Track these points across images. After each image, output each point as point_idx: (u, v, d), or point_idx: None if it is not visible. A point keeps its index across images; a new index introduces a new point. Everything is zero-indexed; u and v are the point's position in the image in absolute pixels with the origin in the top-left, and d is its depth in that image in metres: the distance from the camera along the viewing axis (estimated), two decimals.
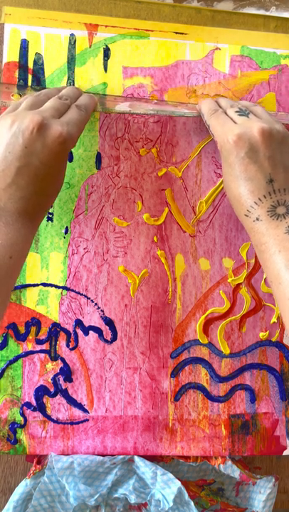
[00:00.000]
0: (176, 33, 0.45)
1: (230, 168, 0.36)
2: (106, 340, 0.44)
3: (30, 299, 0.43)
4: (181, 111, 0.42)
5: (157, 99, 0.43)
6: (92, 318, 0.44)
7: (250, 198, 0.35)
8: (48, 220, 0.44)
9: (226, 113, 0.39)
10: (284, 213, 0.34)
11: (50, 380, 0.43)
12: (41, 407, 0.43)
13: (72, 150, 0.44)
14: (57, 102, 0.37)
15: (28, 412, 0.43)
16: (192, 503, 0.40)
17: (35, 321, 0.43)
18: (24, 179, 0.33)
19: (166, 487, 0.41)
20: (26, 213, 0.34)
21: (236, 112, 0.38)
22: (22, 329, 0.43)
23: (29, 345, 0.43)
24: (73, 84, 0.44)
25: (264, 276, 0.45)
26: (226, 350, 0.45)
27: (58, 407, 0.43)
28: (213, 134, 0.39)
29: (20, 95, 0.42)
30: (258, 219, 0.35)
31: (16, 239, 0.33)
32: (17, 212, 0.34)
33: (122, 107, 0.42)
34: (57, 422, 0.43)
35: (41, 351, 0.43)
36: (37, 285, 0.44)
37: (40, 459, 0.43)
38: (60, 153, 0.34)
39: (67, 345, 0.44)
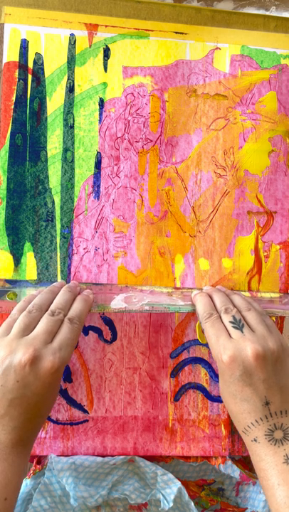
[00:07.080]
0: (176, 32, 0.45)
1: (225, 384, 0.36)
2: (106, 340, 0.44)
3: None
4: (177, 304, 0.42)
5: (150, 286, 0.43)
6: (92, 318, 0.44)
7: (247, 417, 0.35)
8: (47, 221, 0.44)
9: (220, 317, 0.39)
10: (281, 438, 0.34)
11: None
12: None
13: (73, 150, 0.44)
14: (49, 323, 0.36)
15: None
16: (192, 503, 0.40)
17: None
18: (17, 409, 0.33)
19: (166, 487, 0.41)
20: (20, 441, 0.34)
21: (230, 322, 0.38)
22: None
23: None
24: (73, 85, 0.44)
25: (263, 277, 0.45)
26: None
27: (57, 407, 0.43)
28: (208, 341, 0.38)
29: (16, 294, 0.42)
30: (255, 440, 0.34)
31: (11, 475, 0.33)
32: (11, 444, 0.33)
33: (118, 303, 0.42)
34: (56, 422, 0.43)
35: None
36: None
37: (40, 459, 0.43)
38: (53, 381, 0.34)
39: None
